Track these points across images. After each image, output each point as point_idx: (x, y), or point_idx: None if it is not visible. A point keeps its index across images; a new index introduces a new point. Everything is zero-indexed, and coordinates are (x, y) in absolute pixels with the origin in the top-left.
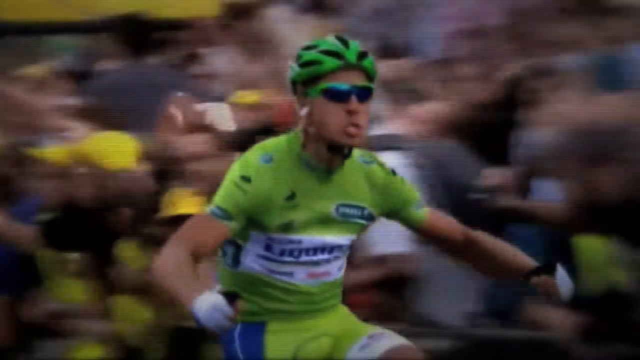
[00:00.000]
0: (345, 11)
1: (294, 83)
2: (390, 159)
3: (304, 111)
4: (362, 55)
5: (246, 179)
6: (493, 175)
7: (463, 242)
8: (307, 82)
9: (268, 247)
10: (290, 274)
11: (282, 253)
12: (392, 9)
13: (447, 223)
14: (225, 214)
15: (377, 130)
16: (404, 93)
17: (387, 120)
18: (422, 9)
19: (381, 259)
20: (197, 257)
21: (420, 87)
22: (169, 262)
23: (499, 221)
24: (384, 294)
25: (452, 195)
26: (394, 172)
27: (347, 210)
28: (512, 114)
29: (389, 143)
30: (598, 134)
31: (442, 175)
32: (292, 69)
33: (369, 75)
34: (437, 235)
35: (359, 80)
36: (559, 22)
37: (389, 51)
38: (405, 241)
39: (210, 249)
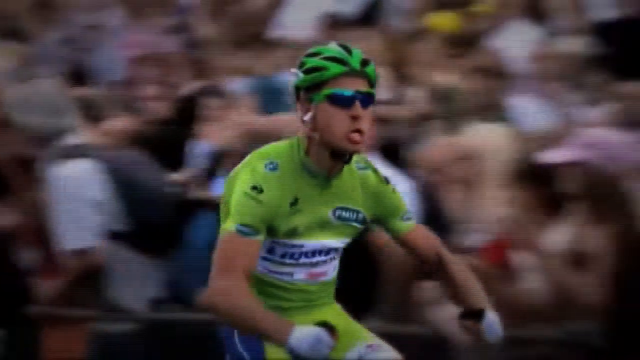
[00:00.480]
0: (39, 37)
1: (297, 89)
2: (82, 165)
3: (307, 117)
4: (365, 62)
5: (258, 189)
6: (180, 175)
7: (434, 261)
8: (311, 88)
9: (270, 250)
10: (290, 274)
11: (283, 256)
12: (80, 36)
13: (425, 240)
14: (251, 230)
15: (71, 141)
16: (94, 110)
17: (79, 132)
18: (106, 36)
19: (75, 254)
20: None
21: (107, 106)
22: (236, 295)
23: (188, 209)
24: (78, 283)
25: (136, 193)
26: (387, 181)
27: (343, 213)
28: (187, 128)
29: (82, 151)
30: (258, 140)
31: (125, 178)
32: (295, 75)
33: (371, 82)
34: (413, 248)
35: (362, 87)
36: (230, 52)
37: (78, 74)
38: (95, 235)
39: (254, 266)
